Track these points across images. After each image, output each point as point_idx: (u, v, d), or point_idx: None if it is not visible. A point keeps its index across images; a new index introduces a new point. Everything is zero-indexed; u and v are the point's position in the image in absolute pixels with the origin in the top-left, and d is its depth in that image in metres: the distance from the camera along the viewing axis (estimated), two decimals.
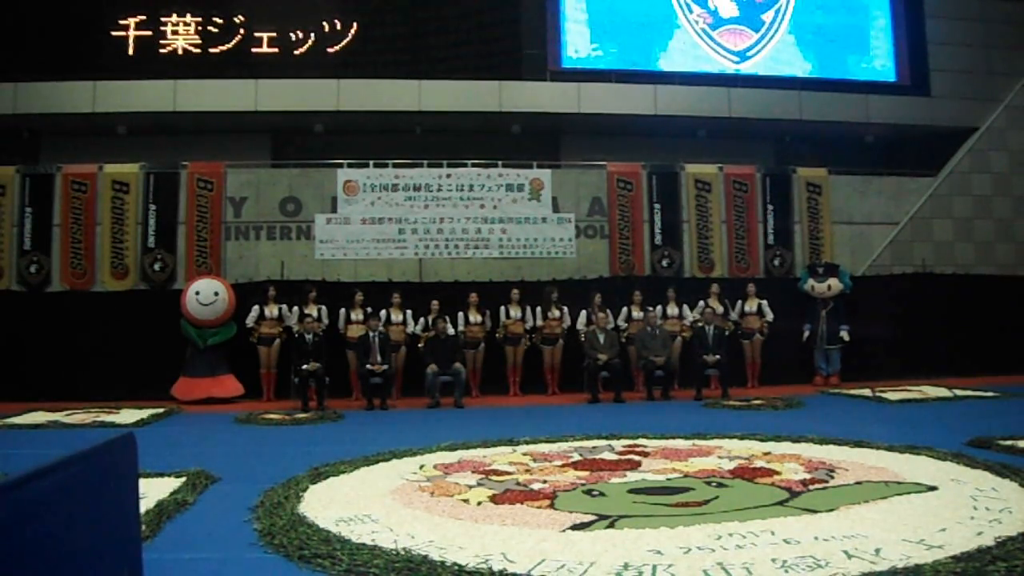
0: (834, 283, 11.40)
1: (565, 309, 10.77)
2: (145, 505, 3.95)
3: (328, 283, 11.13)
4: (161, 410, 9.15)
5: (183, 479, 4.85)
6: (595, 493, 4.55)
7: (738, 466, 5.20)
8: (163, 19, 12.94)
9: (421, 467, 5.44)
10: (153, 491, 4.41)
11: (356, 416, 8.88)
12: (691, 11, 13.94)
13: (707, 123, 13.58)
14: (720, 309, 10.84)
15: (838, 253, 12.73)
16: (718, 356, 10.03)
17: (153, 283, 11.58)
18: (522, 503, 4.27)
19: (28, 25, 12.58)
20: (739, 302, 11.11)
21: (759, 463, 5.31)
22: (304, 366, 9.51)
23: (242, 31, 13.08)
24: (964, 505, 3.97)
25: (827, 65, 14.19)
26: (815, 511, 3.94)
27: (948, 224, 13.37)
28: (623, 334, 10.69)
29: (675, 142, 13.55)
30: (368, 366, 9.54)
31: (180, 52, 12.94)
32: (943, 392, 9.67)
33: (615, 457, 5.64)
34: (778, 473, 4.94)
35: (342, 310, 10.50)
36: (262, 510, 4.15)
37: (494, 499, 4.40)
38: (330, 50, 13.19)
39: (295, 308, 10.51)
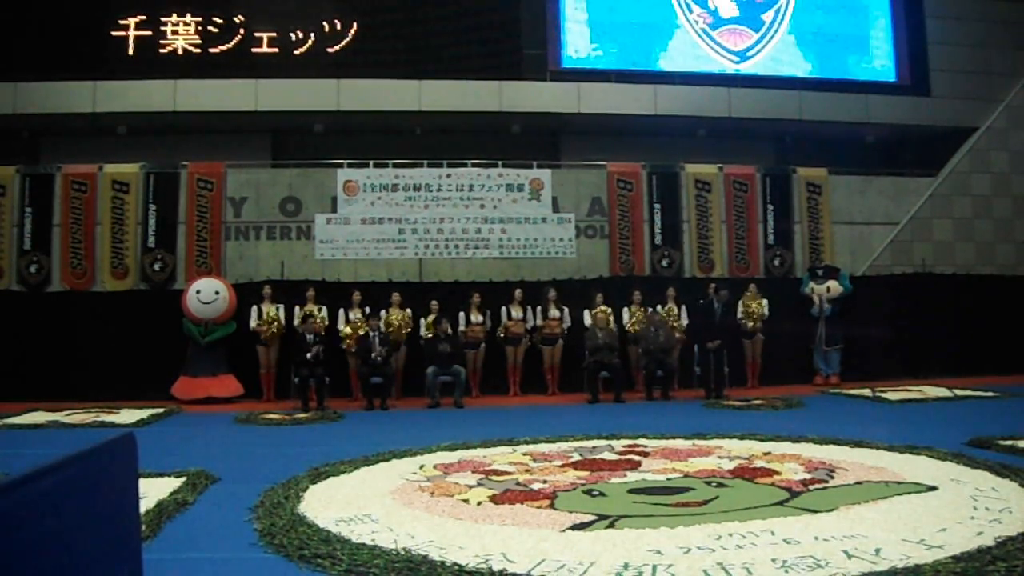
0: (833, 285, 11.39)
1: (565, 309, 10.77)
2: (145, 505, 3.95)
3: (328, 283, 11.13)
4: (161, 410, 9.15)
5: (183, 479, 4.85)
6: (595, 493, 4.55)
7: (738, 466, 5.20)
8: (163, 19, 12.92)
9: (421, 467, 5.45)
10: (153, 491, 4.41)
11: (356, 416, 8.89)
12: (691, 11, 13.94)
13: (707, 123, 13.57)
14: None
15: (838, 253, 12.73)
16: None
17: (153, 283, 11.57)
18: (522, 503, 4.27)
19: (28, 25, 12.57)
20: (739, 302, 11.10)
21: (759, 463, 5.31)
22: (308, 355, 9.49)
23: (242, 31, 13.06)
24: (964, 505, 3.97)
25: (827, 65, 14.19)
26: (815, 511, 3.94)
27: (948, 224, 13.37)
28: (630, 330, 10.68)
29: (675, 142, 13.54)
30: (371, 355, 9.56)
31: (180, 52, 12.92)
32: (943, 392, 9.68)
33: (615, 457, 5.65)
34: (778, 473, 4.94)
35: (341, 310, 10.50)
36: (262, 510, 4.15)
37: (494, 499, 4.40)
38: (330, 50, 13.18)
39: (295, 308, 10.51)
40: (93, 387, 10.28)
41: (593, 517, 3.91)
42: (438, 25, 13.49)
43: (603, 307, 10.46)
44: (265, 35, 13.10)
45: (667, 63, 13.82)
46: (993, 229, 13.57)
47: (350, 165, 12.06)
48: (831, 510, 3.95)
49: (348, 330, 10.23)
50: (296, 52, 13.13)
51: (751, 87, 13.64)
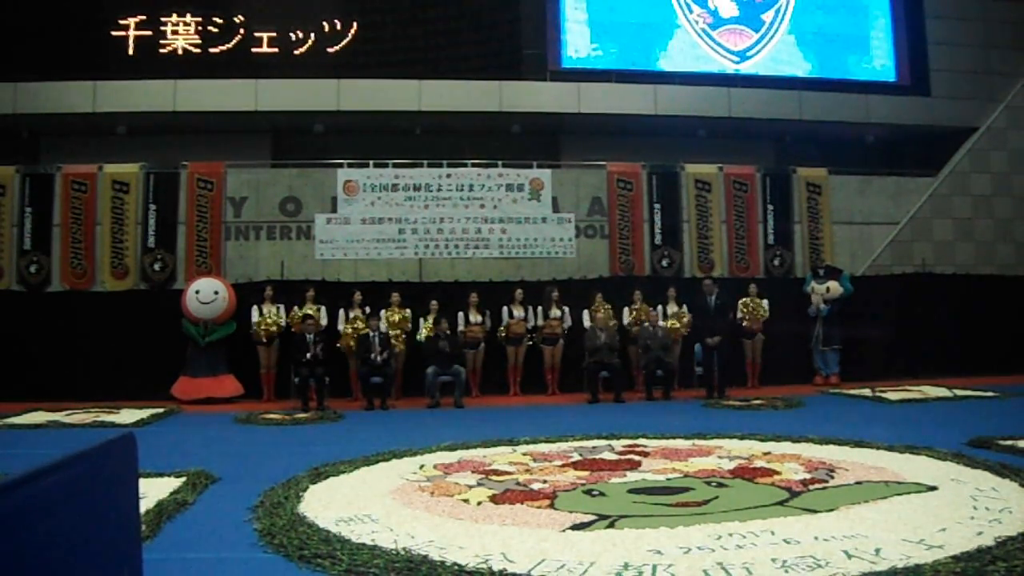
0: (833, 285, 11.36)
1: (566, 309, 10.77)
2: (145, 505, 3.95)
3: (328, 283, 11.13)
4: (161, 410, 9.15)
5: (183, 479, 4.85)
6: (595, 493, 4.54)
7: (738, 466, 5.20)
8: (163, 19, 12.94)
9: (421, 467, 5.45)
10: (153, 491, 4.41)
11: (356, 416, 8.88)
12: (691, 11, 13.94)
13: (707, 123, 13.57)
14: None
15: (838, 253, 12.73)
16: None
17: (153, 283, 11.57)
18: (522, 503, 4.27)
19: (28, 25, 12.58)
20: (739, 302, 11.10)
21: (759, 463, 5.31)
22: (308, 355, 9.50)
23: (242, 31, 13.07)
24: (964, 505, 3.97)
25: (827, 65, 14.19)
26: (815, 511, 3.94)
27: (948, 224, 13.37)
28: (631, 331, 10.68)
29: (675, 142, 13.54)
30: (371, 355, 9.56)
31: (180, 52, 12.93)
32: (943, 392, 9.67)
33: (615, 457, 5.64)
34: (778, 473, 4.94)
35: (341, 310, 10.50)
36: (262, 510, 4.15)
37: (494, 499, 4.40)
38: (330, 50, 13.19)
39: (294, 308, 10.51)
40: (93, 387, 10.28)
41: (593, 517, 3.91)
42: (438, 25, 13.50)
43: (603, 307, 10.47)
44: (265, 35, 13.11)
45: (667, 63, 13.82)
46: (993, 229, 13.57)
47: (350, 165, 12.06)
48: (831, 510, 3.95)
49: (348, 329, 10.23)
50: (296, 52, 13.13)
51: (751, 87, 13.65)
